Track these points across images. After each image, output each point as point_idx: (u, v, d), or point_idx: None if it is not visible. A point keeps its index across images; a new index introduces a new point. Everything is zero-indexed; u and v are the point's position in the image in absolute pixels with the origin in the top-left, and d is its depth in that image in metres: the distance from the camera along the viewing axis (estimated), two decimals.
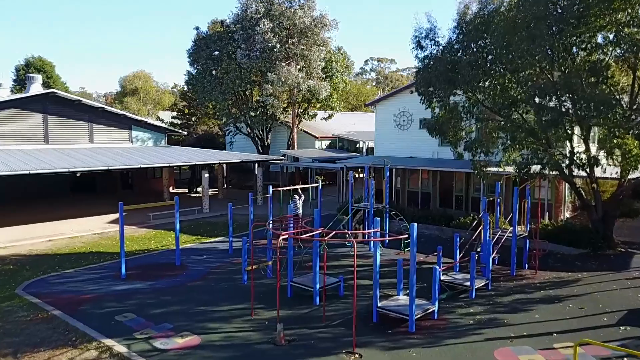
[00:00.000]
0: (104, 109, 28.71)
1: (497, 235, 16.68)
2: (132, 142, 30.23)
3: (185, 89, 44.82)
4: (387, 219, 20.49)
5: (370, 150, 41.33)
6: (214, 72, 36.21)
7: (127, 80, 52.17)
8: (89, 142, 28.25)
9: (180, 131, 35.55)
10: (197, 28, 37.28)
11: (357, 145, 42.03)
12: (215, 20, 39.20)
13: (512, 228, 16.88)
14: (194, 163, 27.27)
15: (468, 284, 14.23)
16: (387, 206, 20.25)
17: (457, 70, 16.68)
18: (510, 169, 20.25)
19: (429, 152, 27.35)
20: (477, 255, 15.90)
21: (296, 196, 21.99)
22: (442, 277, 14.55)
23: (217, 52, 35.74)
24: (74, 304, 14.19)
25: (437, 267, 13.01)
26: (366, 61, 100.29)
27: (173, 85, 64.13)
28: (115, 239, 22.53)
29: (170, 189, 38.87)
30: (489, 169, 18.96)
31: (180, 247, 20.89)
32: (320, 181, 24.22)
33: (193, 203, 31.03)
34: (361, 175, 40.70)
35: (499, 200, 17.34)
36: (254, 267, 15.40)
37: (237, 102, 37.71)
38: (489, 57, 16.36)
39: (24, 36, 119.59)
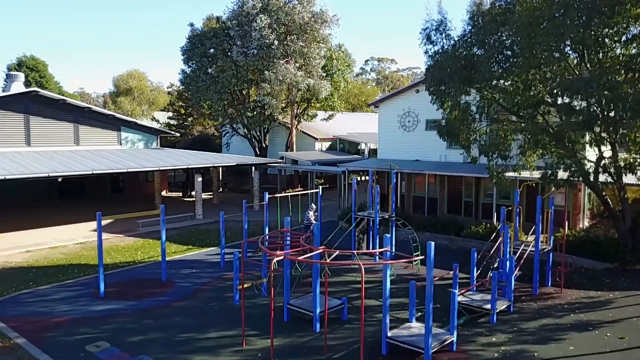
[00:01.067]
0: (91, 109, 27.03)
1: (520, 250, 14.97)
2: (121, 144, 28.57)
3: (181, 88, 43.11)
4: (394, 229, 18.81)
5: (372, 152, 39.68)
6: (209, 70, 34.58)
7: (120, 79, 50.54)
8: (74, 144, 26.57)
9: (173, 132, 33.88)
10: (191, 24, 35.68)
11: (359, 147, 40.37)
12: (211, 17, 37.56)
13: (533, 240, 15.23)
14: (185, 167, 25.63)
15: (488, 306, 12.56)
16: (394, 215, 18.58)
17: (472, 66, 15.05)
18: (526, 173, 18.65)
19: (435, 155, 25.71)
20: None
21: (313, 206, 20.32)
22: (459, 299, 12.88)
23: (212, 50, 34.09)
24: (42, 329, 12.52)
25: (455, 289, 11.36)
26: (366, 61, 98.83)
27: (169, 85, 62.50)
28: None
29: (164, 192, 37.25)
30: (506, 174, 17.33)
31: (169, 259, 19.28)
32: (321, 187, 22.56)
33: (186, 208, 29.37)
34: (364, 178, 39.11)
35: (518, 210, 15.65)
36: (246, 285, 13.78)
37: (234, 101, 36.07)
38: (508, 52, 14.71)
39: (17, 35, 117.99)
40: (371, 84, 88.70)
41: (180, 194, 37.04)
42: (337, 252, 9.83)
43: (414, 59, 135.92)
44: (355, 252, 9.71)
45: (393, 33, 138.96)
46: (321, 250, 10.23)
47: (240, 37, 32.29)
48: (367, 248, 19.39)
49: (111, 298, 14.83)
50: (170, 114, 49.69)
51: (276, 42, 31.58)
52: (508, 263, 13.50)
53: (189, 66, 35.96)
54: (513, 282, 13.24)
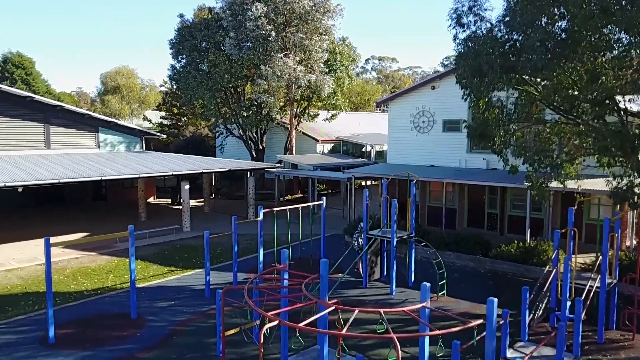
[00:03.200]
0: (63, 107, 23.91)
1: (586, 286, 11.82)
2: (99, 147, 25.47)
3: (170, 85, 39.99)
4: (413, 252, 15.74)
5: (378, 155, 36.59)
6: (200, 65, 31.49)
7: (108, 76, 47.39)
8: (44, 147, 23.48)
9: (158, 134, 30.77)
10: (181, 15, 32.58)
11: (363, 150, 37.29)
12: (202, 7, 34.43)
13: (591, 274, 12.17)
14: (170, 173, 22.56)
15: None
16: (413, 234, 15.51)
17: (517, 53, 11.97)
18: (572, 184, 15.52)
19: (454, 160, 22.63)
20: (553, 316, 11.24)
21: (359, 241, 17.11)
22: (509, 354, 9.78)
23: (204, 44, 30.98)
24: None
25: (505, 344, 8.28)
26: (367, 60, 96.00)
27: (162, 83, 59.32)
28: (67, 271, 17.80)
29: (152, 199, 34.19)
30: (550, 185, 14.25)
31: (145, 285, 16.26)
32: (324, 197, 19.47)
33: (173, 218, 26.30)
34: (369, 183, 36.06)
35: (572, 232, 12.56)
36: (232, 331, 10.72)
37: (227, 100, 32.99)
38: (563, 35, 11.62)
39: (2, 32, 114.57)
40: (373, 83, 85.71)
41: (169, 201, 33.95)
42: (357, 311, 6.75)
43: (415, 58, 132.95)
44: (382, 311, 6.63)
45: (393, 32, 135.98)
46: (332, 308, 7.16)
47: (234, 29, 29.20)
48: (381, 274, 16.32)
49: (62, 345, 11.74)
50: (163, 113, 46.59)
51: (273, 34, 28.50)
52: (570, 305, 10.45)
53: (179, 61, 32.92)
54: (580, 331, 10.12)
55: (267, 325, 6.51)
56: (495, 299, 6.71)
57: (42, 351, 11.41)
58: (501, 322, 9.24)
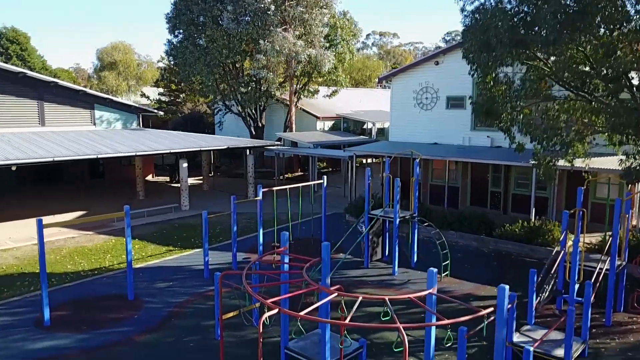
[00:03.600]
0: (57, 83, 23.28)
1: (596, 269, 11.52)
2: (95, 124, 24.94)
3: (167, 61, 39.16)
4: (416, 232, 15.41)
5: (380, 132, 36.07)
6: (198, 40, 30.72)
7: (104, 52, 46.45)
8: (38, 124, 22.96)
9: (156, 111, 30.14)
10: None
11: (364, 127, 36.74)
12: None
13: (601, 255, 11.85)
14: (168, 151, 22.09)
15: (559, 352, 9.20)
16: (416, 214, 15.16)
17: (527, 25, 11.40)
18: (579, 163, 15.11)
19: (458, 138, 22.15)
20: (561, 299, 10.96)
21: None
22: (515, 338, 9.50)
23: (201, 18, 30.14)
24: None
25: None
26: (368, 35, 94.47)
27: (160, 59, 58.30)
28: (64, 251, 17.52)
29: (150, 177, 33.81)
30: (558, 163, 13.84)
31: (142, 265, 16.01)
32: (324, 177, 19.09)
33: (172, 196, 25.96)
34: (369, 160, 35.61)
35: (581, 213, 12.18)
36: (231, 314, 10.44)
37: (226, 76, 32.28)
38: (576, 7, 11.03)
39: None
40: (373, 59, 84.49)
41: (167, 179, 33.56)
42: (360, 298, 6.42)
43: (417, 34, 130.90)
44: (387, 298, 6.30)
45: (394, 7, 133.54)
46: (334, 295, 6.82)
47: (232, 2, 28.35)
48: (382, 254, 16.03)
49: (58, 327, 11.50)
50: (161, 89, 45.82)
51: (272, 7, 27.69)
52: (578, 287, 10.15)
53: (176, 36, 32.10)
54: (589, 315, 9.84)
55: (267, 314, 6.18)
56: (507, 287, 6.38)
57: (37, 334, 11.17)
58: (508, 307, 8.94)
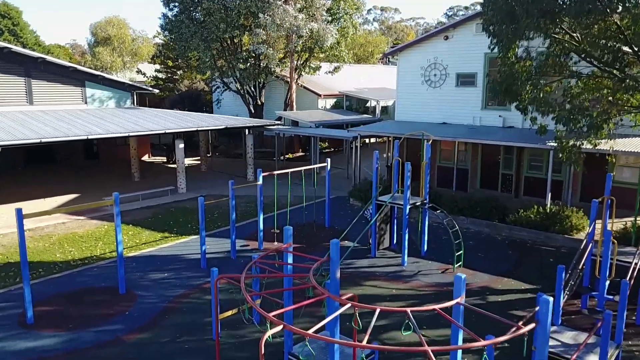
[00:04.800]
0: (45, 59, 22.03)
1: (632, 264, 10.56)
2: (86, 102, 23.77)
3: (163, 36, 37.69)
4: (426, 220, 14.46)
5: (383, 111, 34.89)
6: (194, 14, 29.32)
7: (98, 27, 44.84)
8: (26, 103, 21.80)
9: (150, 89, 28.92)
10: None
11: (367, 104, 35.53)
12: None
13: (637, 249, 10.91)
14: (164, 131, 21.00)
15: (594, 359, 8.32)
16: (427, 201, 14.19)
17: None
18: (603, 145, 14.08)
19: (468, 117, 21.07)
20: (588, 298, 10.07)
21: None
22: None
23: None
24: None
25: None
26: (369, 10, 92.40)
27: (156, 34, 56.58)
28: (54, 238, 16.62)
29: (146, 157, 32.77)
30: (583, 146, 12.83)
31: (136, 254, 15.14)
32: (328, 160, 18.06)
33: (168, 179, 24.97)
34: (372, 140, 34.56)
35: (609, 202, 11.20)
36: (229, 313, 9.58)
37: (224, 51, 30.96)
38: None
39: None
40: (376, 34, 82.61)
41: (164, 159, 32.51)
42: (378, 310, 5.48)
43: (418, 9, 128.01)
44: (408, 311, 5.38)
45: None
46: (348, 306, 5.88)
47: None
48: (390, 242, 15.11)
49: (43, 325, 10.63)
50: (157, 66, 44.39)
51: None
52: (609, 286, 9.23)
53: (171, 9, 30.65)
54: (625, 317, 8.93)
55: (270, 332, 5.24)
56: (550, 299, 5.42)
57: (19, 333, 10.30)
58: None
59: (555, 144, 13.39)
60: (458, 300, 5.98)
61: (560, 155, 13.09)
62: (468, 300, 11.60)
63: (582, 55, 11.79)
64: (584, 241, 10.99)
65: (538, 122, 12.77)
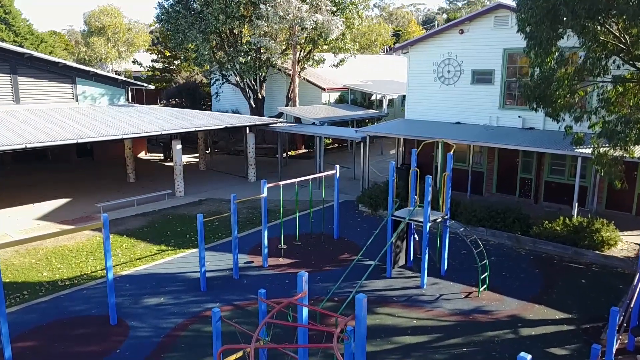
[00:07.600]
0: (32, 55, 20.56)
1: None
2: (77, 100, 22.37)
3: (159, 27, 36.11)
4: (447, 237, 13.21)
5: (389, 104, 33.48)
6: (191, 3, 27.78)
7: (92, 16, 43.17)
8: (12, 102, 20.41)
9: (145, 84, 27.46)
10: None
11: (372, 98, 34.12)
12: None
13: None
14: (160, 132, 19.65)
15: None
16: (449, 217, 12.94)
17: None
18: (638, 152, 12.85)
19: (484, 117, 19.75)
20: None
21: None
22: None
23: None
24: None
25: None
26: None
27: (151, 23, 54.79)
28: (40, 252, 15.38)
29: (143, 154, 31.46)
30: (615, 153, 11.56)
31: (130, 271, 13.97)
32: (337, 167, 16.78)
33: (165, 179, 23.72)
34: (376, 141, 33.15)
35: None
36: (234, 357, 8.34)
37: (223, 44, 29.45)
38: None
39: None
40: (379, 21, 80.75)
41: (161, 156, 31.19)
42: None
43: None
44: None
45: None
46: None
47: None
48: (407, 260, 13.88)
49: None
50: (154, 56, 42.82)
51: None
52: None
53: None
54: None
55: None
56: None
57: None
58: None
59: (589, 152, 12.13)
60: None
61: (597, 167, 11.82)
62: (497, 334, 10.44)
63: (625, 59, 10.48)
64: (637, 276, 9.72)
65: (574, 130, 11.49)
